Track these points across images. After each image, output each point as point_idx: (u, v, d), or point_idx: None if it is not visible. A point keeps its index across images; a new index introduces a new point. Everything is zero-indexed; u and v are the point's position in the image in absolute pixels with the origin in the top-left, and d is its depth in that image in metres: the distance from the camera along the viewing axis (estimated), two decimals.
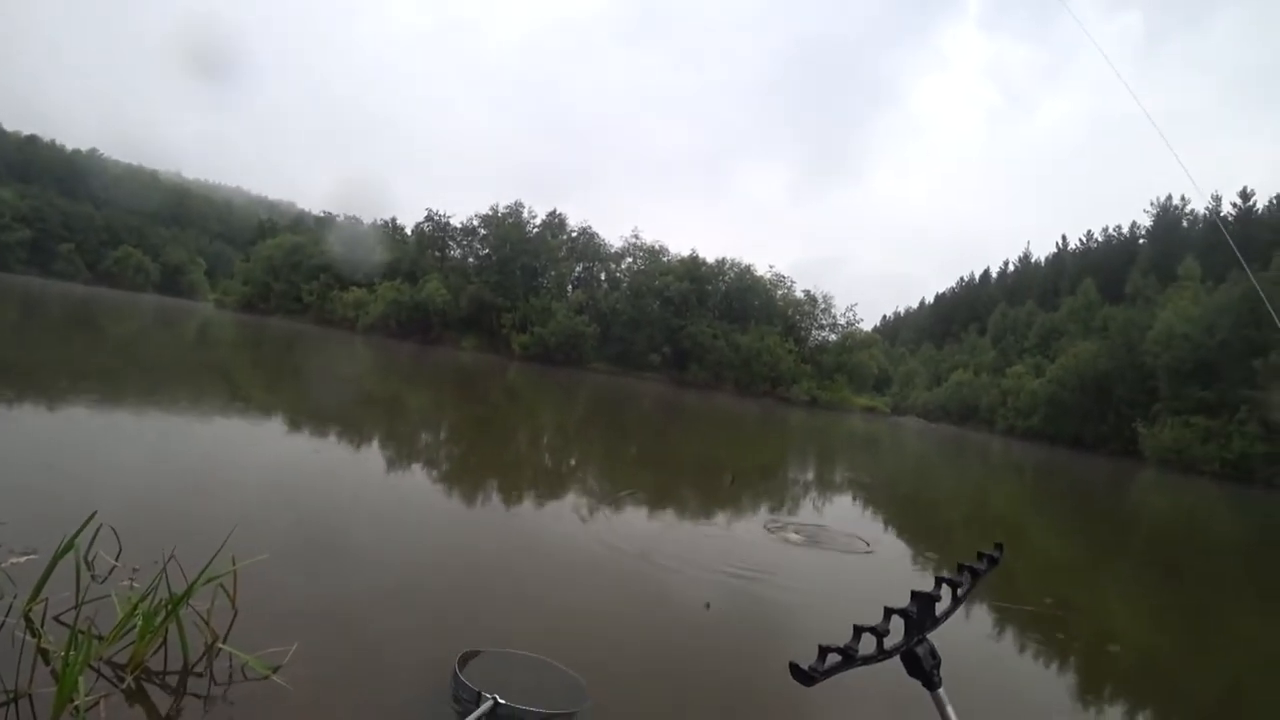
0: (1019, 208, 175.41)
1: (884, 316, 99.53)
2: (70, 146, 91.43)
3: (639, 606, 4.57)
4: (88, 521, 3.11)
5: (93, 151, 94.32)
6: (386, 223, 61.96)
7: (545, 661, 3.15)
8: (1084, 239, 68.78)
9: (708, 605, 4.41)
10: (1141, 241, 61.09)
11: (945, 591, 1.21)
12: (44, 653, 2.60)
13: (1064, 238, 72.25)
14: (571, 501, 7.40)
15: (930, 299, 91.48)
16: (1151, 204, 61.35)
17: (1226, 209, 55.37)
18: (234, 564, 3.22)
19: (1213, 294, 40.48)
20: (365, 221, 63.03)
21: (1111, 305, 52.51)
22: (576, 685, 2.98)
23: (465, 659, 2.94)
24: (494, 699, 2.57)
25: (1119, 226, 65.80)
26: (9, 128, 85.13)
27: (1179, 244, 53.61)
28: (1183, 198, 59.28)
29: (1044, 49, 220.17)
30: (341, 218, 64.59)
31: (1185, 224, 58.26)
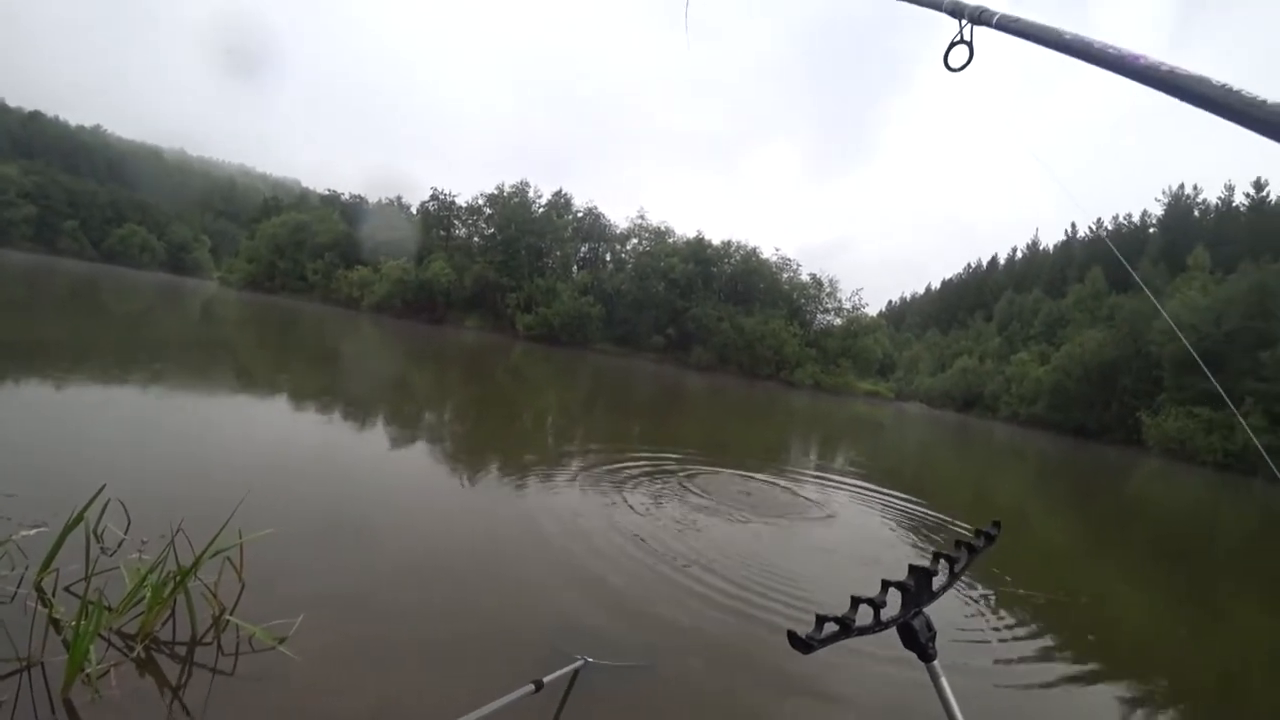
0: (1029, 196, 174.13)
1: (889, 301, 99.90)
2: (74, 123, 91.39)
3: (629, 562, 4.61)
4: (97, 495, 3.15)
5: (96, 128, 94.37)
6: (391, 201, 61.98)
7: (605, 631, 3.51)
8: (1093, 227, 68.42)
9: None
10: (1152, 230, 60.66)
11: (942, 566, 1.23)
12: (55, 622, 2.65)
13: (1073, 225, 71.98)
14: (572, 476, 7.43)
15: (937, 285, 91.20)
16: (1163, 192, 60.91)
17: (1239, 199, 55.00)
18: (240, 538, 3.27)
19: (1221, 285, 40.30)
20: (371, 201, 63.06)
21: (1119, 294, 52.33)
22: (643, 644, 3.34)
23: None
24: (583, 659, 2.84)
25: (1129, 215, 65.41)
26: (11, 104, 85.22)
27: (1190, 234, 53.28)
28: (1195, 187, 58.85)
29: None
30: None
31: (1197, 214, 57.83)
